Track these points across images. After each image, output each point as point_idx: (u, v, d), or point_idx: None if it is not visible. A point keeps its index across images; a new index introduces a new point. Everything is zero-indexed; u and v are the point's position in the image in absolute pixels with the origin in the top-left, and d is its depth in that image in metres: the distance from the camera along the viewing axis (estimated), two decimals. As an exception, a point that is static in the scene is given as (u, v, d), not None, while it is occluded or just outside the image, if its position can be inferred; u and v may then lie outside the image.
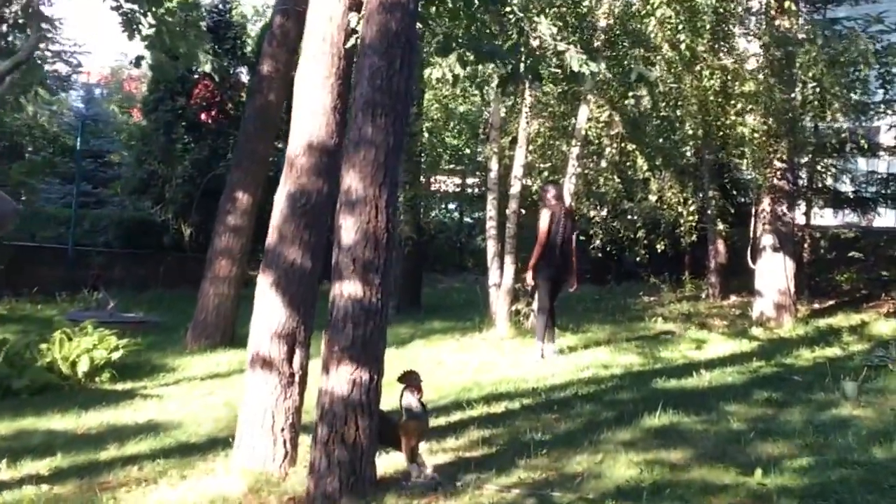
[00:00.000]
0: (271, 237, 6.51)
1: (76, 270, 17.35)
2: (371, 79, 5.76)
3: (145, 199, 19.31)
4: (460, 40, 6.70)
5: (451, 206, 24.13)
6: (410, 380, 6.17)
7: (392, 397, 6.21)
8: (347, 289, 5.65)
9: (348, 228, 5.68)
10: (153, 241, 18.43)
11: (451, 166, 16.88)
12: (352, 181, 5.72)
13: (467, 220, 23.54)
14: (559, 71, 12.37)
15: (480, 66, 7.29)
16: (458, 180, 23.84)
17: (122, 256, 18.27)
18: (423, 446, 6.55)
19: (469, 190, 22.06)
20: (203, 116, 19.66)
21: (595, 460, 6.40)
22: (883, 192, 16.43)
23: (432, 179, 20.74)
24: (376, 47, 5.77)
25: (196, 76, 19.28)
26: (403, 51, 5.81)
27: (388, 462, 6.20)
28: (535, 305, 12.83)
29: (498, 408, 8.30)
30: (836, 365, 10.15)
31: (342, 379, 5.61)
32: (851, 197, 16.71)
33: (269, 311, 6.36)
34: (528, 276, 11.27)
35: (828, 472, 6.01)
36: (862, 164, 18.26)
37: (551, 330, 11.28)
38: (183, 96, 19.38)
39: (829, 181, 16.53)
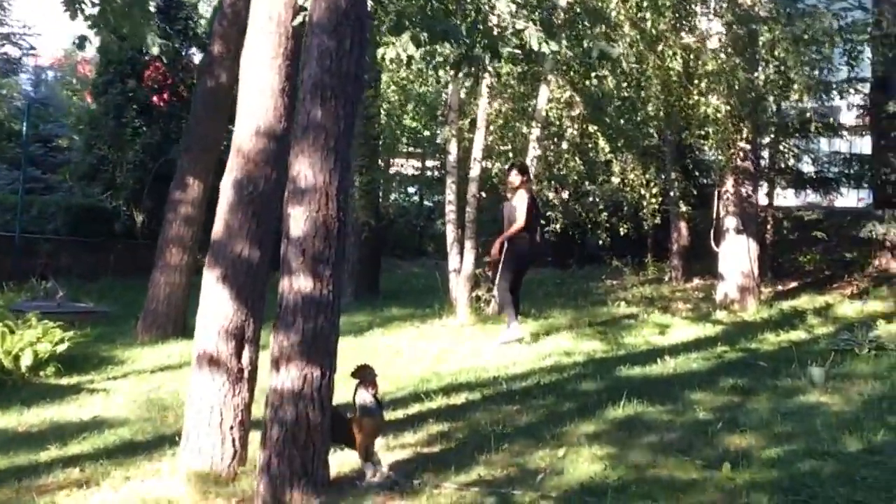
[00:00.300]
0: (217, 227, 6.24)
1: (24, 259, 16.91)
2: (320, 59, 5.50)
3: (95, 185, 18.88)
4: (414, 19, 6.44)
5: (411, 189, 23.90)
6: (364, 375, 5.93)
7: (347, 391, 5.98)
8: (297, 281, 5.40)
9: (297, 218, 5.43)
10: (103, 229, 18.04)
11: (410, 149, 16.61)
12: (300, 168, 5.46)
13: (427, 203, 23.30)
14: (519, 51, 12.24)
15: (437, 47, 7.01)
16: (417, 163, 23.64)
17: (72, 244, 17.84)
18: (379, 443, 6.32)
19: (429, 173, 21.82)
20: (155, 99, 19.26)
21: (557, 455, 6.21)
22: (846, 172, 16.36)
23: (391, 162, 20.53)
24: (325, 26, 5.51)
25: (147, 58, 18.87)
26: (353, 30, 5.55)
27: (343, 461, 5.97)
28: (495, 291, 12.63)
29: (458, 399, 8.09)
30: (802, 349, 10.05)
31: (292, 375, 5.37)
32: (814, 177, 16.65)
33: (216, 305, 6.10)
34: (495, 249, 10.98)
35: (798, 463, 5.86)
36: (824, 144, 18.24)
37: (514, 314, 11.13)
38: (133, 79, 18.97)
39: (792, 162, 16.44)
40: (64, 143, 21.93)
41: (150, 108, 19.03)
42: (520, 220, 10.82)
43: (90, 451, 6.72)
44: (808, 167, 17.24)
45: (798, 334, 11.29)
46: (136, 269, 16.40)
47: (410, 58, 6.61)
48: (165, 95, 19.35)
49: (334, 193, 5.45)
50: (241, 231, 6.13)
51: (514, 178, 11.10)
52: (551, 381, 8.74)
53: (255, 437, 6.09)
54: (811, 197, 19.25)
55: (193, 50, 20.68)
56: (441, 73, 12.09)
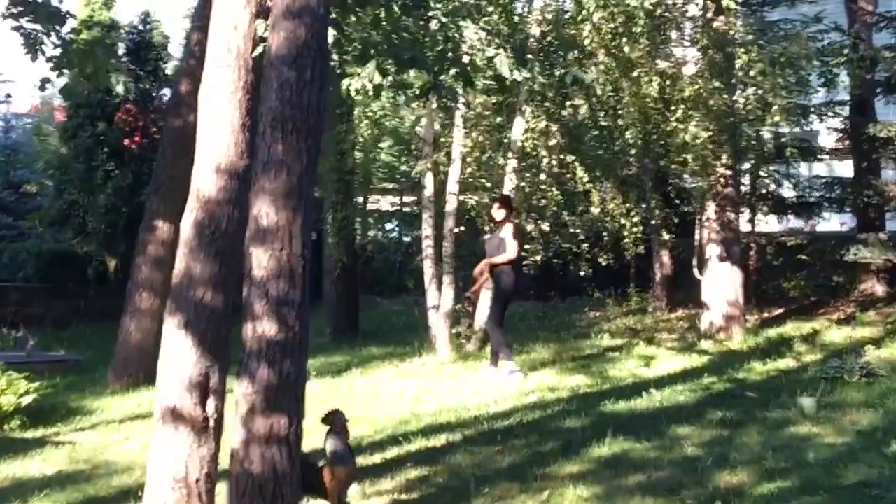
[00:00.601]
0: (177, 271, 5.97)
1: (-7, 307, 16.59)
2: (280, 91, 5.27)
3: (66, 230, 18.58)
4: (379, 48, 6.24)
5: (389, 225, 23.68)
6: (335, 421, 5.69)
7: (319, 438, 5.72)
8: (260, 325, 5.14)
9: (259, 258, 5.18)
10: (76, 275, 17.73)
11: (385, 185, 16.42)
12: (261, 206, 5.22)
13: (406, 239, 23.05)
14: (493, 82, 12.08)
15: (407, 76, 6.81)
16: (395, 199, 23.43)
17: (43, 291, 17.53)
18: (353, 490, 6.07)
19: (406, 209, 21.60)
20: (126, 142, 19.01)
21: (541, 498, 5.97)
22: (828, 196, 16.22)
23: (369, 198, 20.31)
24: (284, 57, 5.29)
25: (117, 100, 18.65)
26: (314, 60, 5.33)
27: (314, 512, 5.70)
28: (483, 325, 12.38)
29: (437, 440, 7.83)
30: (791, 378, 9.87)
31: (258, 424, 5.08)
32: (796, 202, 16.51)
33: (178, 354, 5.81)
34: (479, 269, 10.98)
35: (792, 501, 5.62)
36: (804, 169, 18.12)
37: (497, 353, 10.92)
38: (104, 121, 18.72)
39: (773, 187, 16.30)
40: (33, 189, 21.60)
41: (121, 150, 18.79)
42: (510, 251, 10.70)
43: (51, 510, 6.43)
44: (789, 192, 17.11)
45: (786, 362, 11.08)
46: (110, 314, 16.03)
47: (378, 88, 6.39)
48: (137, 137, 19.13)
49: (298, 232, 5.21)
50: (202, 274, 5.87)
51: (498, 211, 10.93)
52: (534, 419, 8.49)
53: (222, 488, 5.81)
54: (793, 222, 19.16)
55: (165, 91, 20.46)
56: (412, 104, 11.90)
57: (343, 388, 10.59)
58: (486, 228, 12.68)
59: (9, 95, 34.00)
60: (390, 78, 6.48)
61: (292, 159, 5.23)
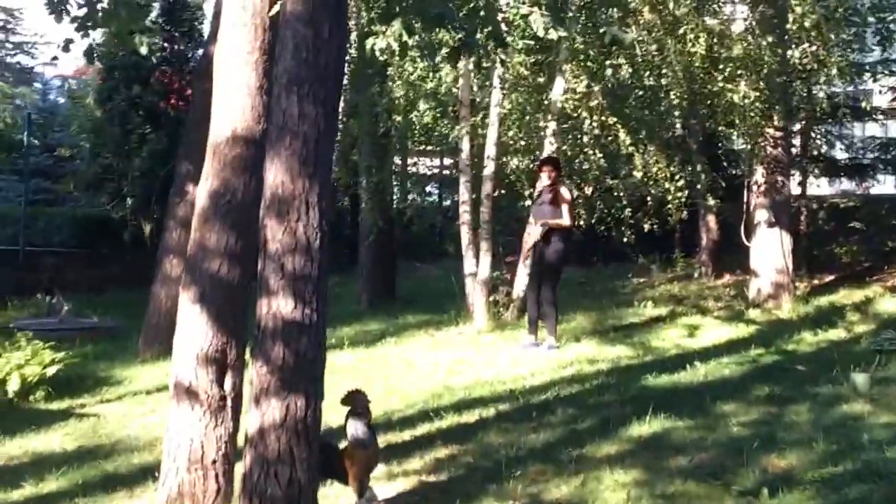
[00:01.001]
0: (192, 242, 5.71)
1: (28, 273, 16.50)
2: (295, 51, 4.95)
3: (101, 195, 18.43)
4: (405, 4, 5.88)
5: (430, 189, 23.29)
6: (356, 402, 5.40)
7: (340, 417, 5.46)
8: (276, 302, 4.85)
9: (274, 230, 4.89)
10: (111, 240, 17.59)
11: (422, 147, 16.03)
12: (276, 174, 4.92)
13: (446, 203, 22.69)
14: (532, 41, 11.66)
15: (436, 35, 6.45)
16: (436, 161, 23.04)
17: (78, 257, 17.43)
18: (380, 470, 5.80)
19: (446, 172, 21.23)
20: (161, 104, 18.79)
21: (576, 483, 5.66)
22: (882, 157, 15.63)
23: (408, 161, 19.93)
24: (300, 13, 4.96)
25: (153, 62, 18.42)
26: (332, 17, 5.00)
27: (334, 497, 5.44)
28: (519, 290, 12.09)
29: (470, 416, 7.54)
30: (843, 350, 9.46)
31: (273, 406, 4.81)
32: (849, 164, 15.94)
33: (193, 329, 5.56)
34: (538, 233, 10.55)
35: (845, 488, 5.27)
36: (857, 129, 17.52)
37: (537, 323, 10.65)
38: (139, 83, 18.50)
39: (825, 149, 15.75)
40: (65, 153, 21.48)
41: (156, 113, 18.57)
42: (566, 216, 10.50)
43: (67, 488, 6.24)
44: (841, 154, 16.55)
45: (837, 333, 10.66)
46: (147, 280, 15.89)
47: (404, 47, 6.04)
48: (172, 100, 18.90)
49: (315, 202, 4.91)
50: (217, 245, 5.60)
51: (548, 174, 10.59)
52: (572, 394, 8.18)
53: (241, 468, 5.57)
54: (844, 185, 18.56)
55: (200, 52, 20.18)
56: (442, 64, 11.51)
57: (377, 358, 10.33)
58: (528, 193, 12.30)
59: (55, 58, 33.98)
60: (417, 37, 6.14)
61: (309, 124, 4.92)
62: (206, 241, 5.63)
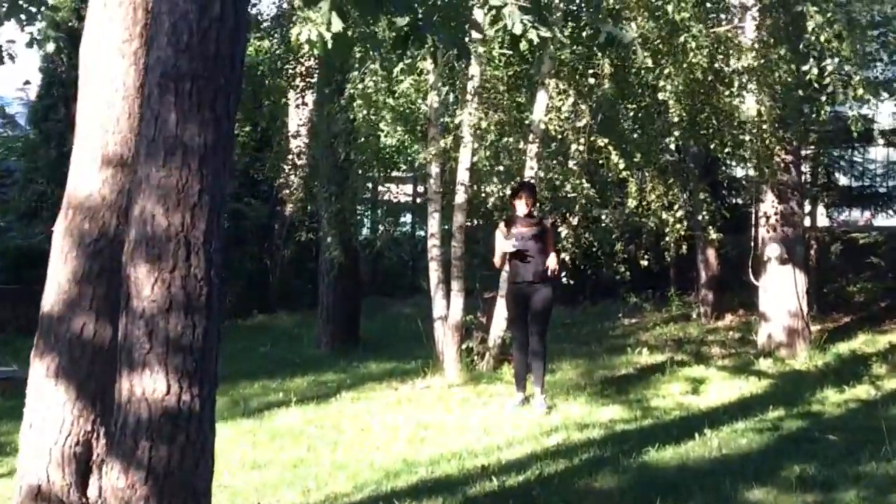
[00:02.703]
0: (47, 297, 4.35)
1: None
2: (173, 34, 3.63)
3: (36, 224, 16.96)
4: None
5: (404, 218, 21.97)
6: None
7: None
8: (141, 383, 3.51)
9: (141, 283, 3.57)
10: (46, 275, 16.09)
11: (387, 173, 14.71)
12: (145, 204, 3.59)
13: (420, 233, 21.34)
14: (510, 50, 10.39)
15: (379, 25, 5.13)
16: (409, 188, 21.75)
17: (8, 293, 15.95)
18: None
19: (419, 200, 19.93)
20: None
21: None
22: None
23: (380, 188, 18.65)
24: (181, -17, 3.65)
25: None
26: (227, -13, 3.68)
27: None
28: (495, 336, 10.80)
29: (432, 506, 6.16)
30: (879, 414, 8.13)
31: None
32: (864, 192, 14.70)
33: (47, 413, 4.19)
34: (555, 262, 9.26)
35: None
36: (867, 154, 16.32)
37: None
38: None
39: (836, 175, 14.53)
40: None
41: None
42: (552, 261, 9.21)
43: None
44: (852, 181, 15.35)
45: (867, 390, 9.39)
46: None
47: (340, 39, 4.72)
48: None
49: (199, 242, 3.58)
50: (81, 299, 4.25)
51: (525, 202, 9.32)
52: (557, 473, 6.79)
53: None
54: (844, 215, 17.33)
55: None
56: (403, 77, 10.22)
57: (328, 418, 8.94)
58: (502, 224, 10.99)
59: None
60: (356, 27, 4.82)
61: (191, 134, 3.59)
62: (66, 294, 4.28)
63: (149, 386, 3.50)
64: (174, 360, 3.51)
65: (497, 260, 9.60)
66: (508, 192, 10.10)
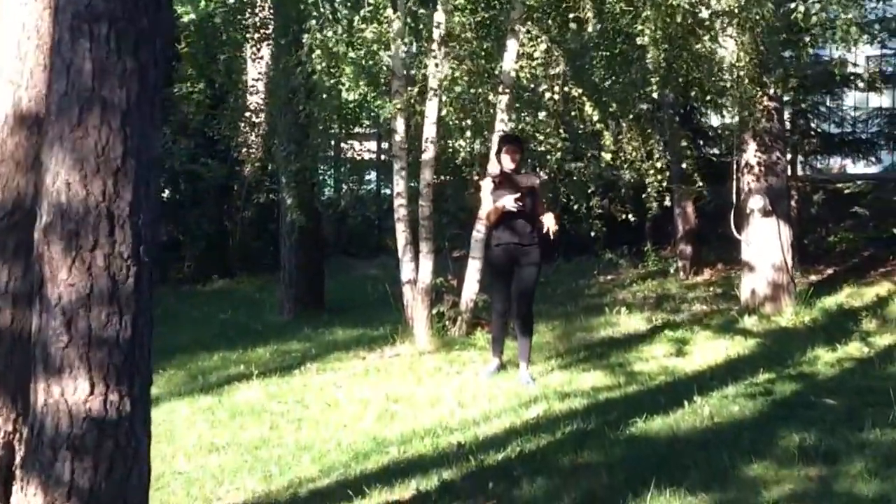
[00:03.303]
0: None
1: None
2: (86, -33, 3.09)
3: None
4: None
5: (370, 176, 21.37)
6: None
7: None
8: (58, 384, 3.01)
9: (56, 264, 3.06)
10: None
11: (350, 129, 14.11)
12: (59, 169, 3.06)
13: (386, 192, 20.76)
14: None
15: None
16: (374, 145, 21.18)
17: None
18: None
19: (384, 157, 19.36)
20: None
21: None
22: (887, 131, 13.98)
23: (343, 146, 18.08)
24: None
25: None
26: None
27: None
28: (467, 300, 10.33)
29: (404, 490, 5.68)
30: (874, 374, 7.76)
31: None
32: (847, 139, 14.29)
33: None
34: (554, 223, 8.37)
35: None
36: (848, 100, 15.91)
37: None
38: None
39: (815, 122, 14.11)
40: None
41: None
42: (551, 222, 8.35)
43: None
44: (832, 128, 14.94)
45: (858, 348, 9.05)
46: None
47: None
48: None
49: (125, 215, 3.06)
50: (-7, 283, 3.71)
51: (511, 156, 8.56)
52: (539, 449, 6.34)
53: None
54: (822, 163, 16.94)
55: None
56: (364, 24, 9.63)
57: (292, 393, 8.44)
58: (476, 178, 10.46)
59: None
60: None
61: (111, 87, 3.06)
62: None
63: (68, 386, 3.00)
64: (98, 354, 3.01)
65: (489, 215, 8.58)
66: (493, 146, 9.54)
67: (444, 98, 10.33)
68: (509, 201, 8.26)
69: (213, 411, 7.84)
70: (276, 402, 8.11)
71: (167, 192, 18.84)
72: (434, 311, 10.32)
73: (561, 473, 5.81)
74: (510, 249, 8.46)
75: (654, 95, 10.40)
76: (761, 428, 6.47)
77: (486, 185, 8.72)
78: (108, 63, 3.05)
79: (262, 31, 11.73)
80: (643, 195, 10.50)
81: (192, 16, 14.35)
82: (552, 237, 8.33)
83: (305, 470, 6.18)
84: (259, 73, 13.32)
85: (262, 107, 12.84)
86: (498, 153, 8.82)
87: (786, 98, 12.62)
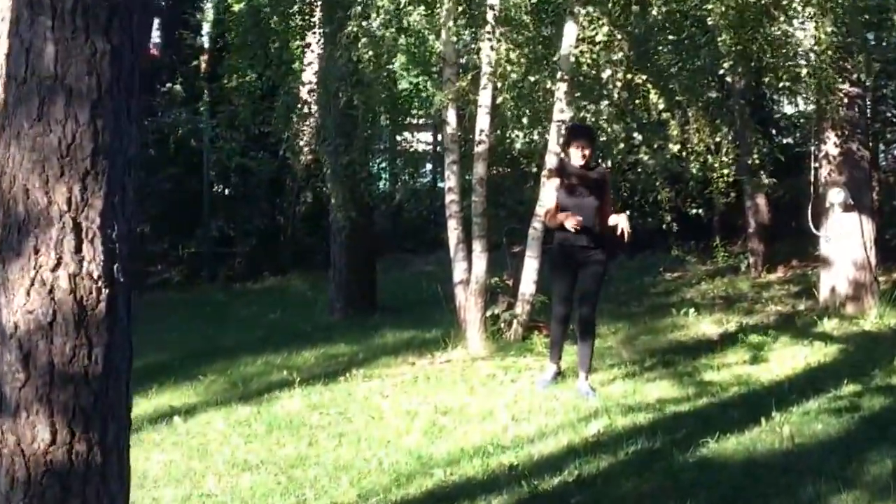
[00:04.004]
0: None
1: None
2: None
3: None
4: None
5: (426, 168, 20.87)
6: None
7: None
8: (15, 428, 2.53)
9: (13, 283, 2.56)
10: None
11: (400, 120, 13.57)
12: (16, 171, 2.58)
13: (442, 185, 20.24)
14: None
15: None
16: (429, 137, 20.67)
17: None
18: None
19: (439, 148, 18.82)
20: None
21: None
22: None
23: (398, 137, 17.57)
24: None
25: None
26: None
27: None
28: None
29: (450, 521, 5.18)
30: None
31: None
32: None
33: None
34: (626, 222, 7.67)
35: None
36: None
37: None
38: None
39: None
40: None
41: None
42: (623, 222, 7.66)
43: None
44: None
45: (953, 354, 8.29)
46: None
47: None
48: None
49: (95, 224, 2.57)
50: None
51: (582, 151, 7.78)
52: (599, 472, 5.78)
53: None
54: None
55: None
56: (411, 6, 9.08)
57: (335, 403, 7.96)
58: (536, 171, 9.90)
59: None
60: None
61: (78, 74, 2.56)
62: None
63: (25, 434, 2.52)
64: (61, 395, 2.52)
65: (549, 217, 7.98)
66: (552, 136, 8.94)
67: (499, 86, 9.76)
68: (571, 223, 7.59)
69: (249, 424, 7.40)
70: (318, 414, 7.65)
71: (218, 187, 18.57)
72: (488, 314, 9.78)
73: (623, 502, 5.26)
74: (574, 253, 7.85)
75: (728, 79, 9.65)
76: (849, 451, 5.83)
77: (549, 182, 8.14)
78: (73, 44, 2.56)
79: (307, 18, 11.26)
80: (708, 189, 9.85)
81: (243, 4, 13.96)
82: (625, 239, 7.68)
83: (342, 494, 5.70)
84: (309, 63, 12.87)
85: (312, 99, 12.38)
86: (566, 146, 8.13)
87: (867, 84, 11.88)
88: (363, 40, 9.71)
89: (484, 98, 9.69)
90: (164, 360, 10.13)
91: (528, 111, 10.15)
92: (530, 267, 9.76)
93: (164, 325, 12.82)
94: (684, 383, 7.93)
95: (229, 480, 6.03)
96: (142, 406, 8.04)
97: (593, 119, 10.00)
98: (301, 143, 13.51)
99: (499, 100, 9.86)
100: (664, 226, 10.07)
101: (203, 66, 19.68)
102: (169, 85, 18.35)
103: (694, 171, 10.03)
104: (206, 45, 20.27)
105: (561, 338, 8.16)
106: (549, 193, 8.04)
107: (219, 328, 12.56)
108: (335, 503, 5.56)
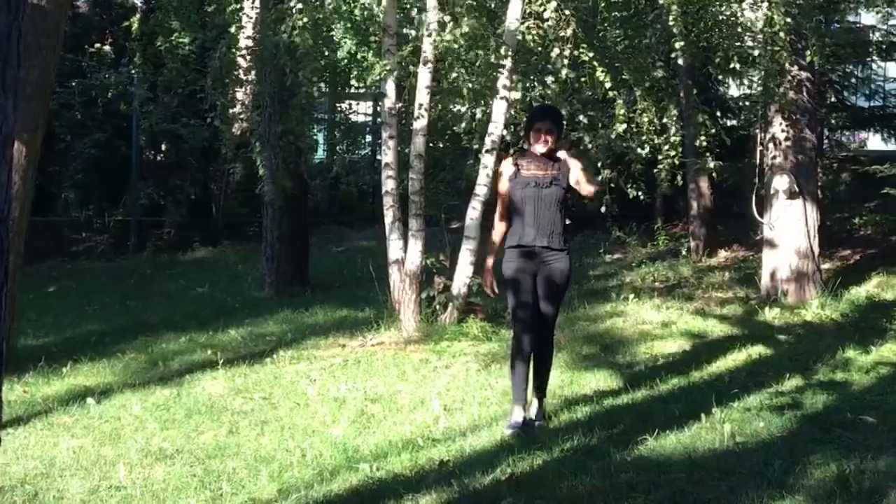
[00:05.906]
0: None
1: None
2: None
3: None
4: None
5: (367, 140, 20.44)
6: None
7: None
8: None
9: None
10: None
11: (334, 89, 13.19)
12: None
13: (381, 157, 19.86)
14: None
15: None
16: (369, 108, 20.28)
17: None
18: None
19: (379, 119, 18.43)
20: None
21: None
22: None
23: (338, 107, 17.17)
24: None
25: None
26: None
27: None
28: (460, 286, 9.46)
29: (373, 522, 4.91)
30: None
31: None
32: (879, 113, 13.40)
33: None
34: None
35: None
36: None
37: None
38: None
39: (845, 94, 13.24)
40: None
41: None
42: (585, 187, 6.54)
43: None
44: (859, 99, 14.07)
45: (894, 350, 8.16)
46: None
47: None
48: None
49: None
50: None
51: (543, 137, 6.45)
52: (534, 471, 5.54)
53: None
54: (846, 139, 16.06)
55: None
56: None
57: (259, 387, 7.66)
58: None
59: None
60: None
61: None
62: None
63: None
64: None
65: (498, 215, 6.67)
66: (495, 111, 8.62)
67: (440, 58, 9.45)
68: (488, 283, 6.78)
69: (167, 408, 7.08)
70: (241, 398, 7.35)
71: (148, 153, 18.05)
72: (423, 295, 9.49)
73: (555, 502, 5.03)
74: (532, 253, 6.46)
75: (680, 62, 9.37)
76: (792, 452, 5.64)
77: (504, 171, 6.69)
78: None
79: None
80: (654, 170, 9.64)
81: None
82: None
83: (261, 489, 5.40)
84: (243, 27, 12.44)
85: (247, 64, 11.96)
86: (526, 130, 6.81)
87: (816, 67, 11.75)
88: (299, 5, 9.31)
89: (423, 73, 9.36)
90: (81, 335, 9.74)
91: (471, 85, 9.83)
92: (466, 250, 9.46)
93: (84, 297, 12.39)
94: (623, 374, 7.73)
95: (141, 471, 5.71)
96: (54, 386, 7.70)
97: (540, 98, 9.73)
98: (236, 110, 13.10)
99: (451, 76, 9.53)
100: (603, 207, 9.82)
101: (135, 26, 19.10)
102: (98, 45, 17.71)
103: (640, 150, 9.78)
104: (139, 4, 19.65)
105: (523, 378, 6.52)
106: (501, 185, 6.69)
107: (143, 301, 12.14)
108: (253, 499, 5.26)
